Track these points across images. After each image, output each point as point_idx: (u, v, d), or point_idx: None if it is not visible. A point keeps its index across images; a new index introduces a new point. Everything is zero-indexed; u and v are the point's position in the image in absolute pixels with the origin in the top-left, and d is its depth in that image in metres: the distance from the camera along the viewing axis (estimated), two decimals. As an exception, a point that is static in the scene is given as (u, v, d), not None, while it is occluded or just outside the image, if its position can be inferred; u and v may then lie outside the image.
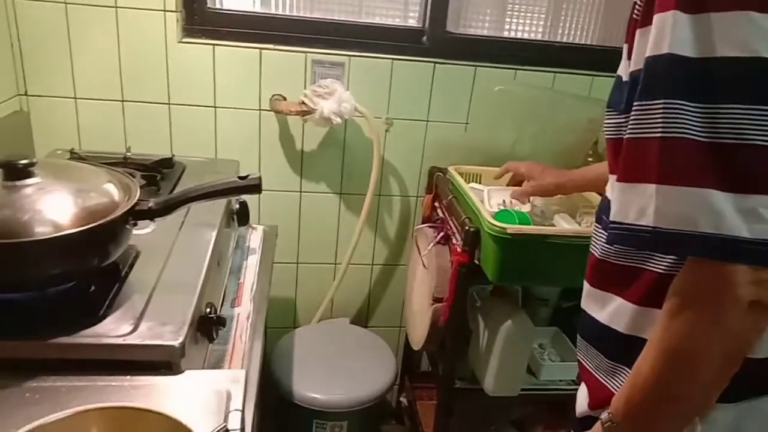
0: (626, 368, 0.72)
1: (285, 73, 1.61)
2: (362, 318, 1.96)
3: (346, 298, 1.92)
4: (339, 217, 1.80)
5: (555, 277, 1.40)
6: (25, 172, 0.85)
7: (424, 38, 1.70)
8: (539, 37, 1.80)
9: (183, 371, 0.81)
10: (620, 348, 0.73)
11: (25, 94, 1.54)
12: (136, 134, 1.61)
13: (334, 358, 1.72)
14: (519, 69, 1.71)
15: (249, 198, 1.65)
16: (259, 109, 1.64)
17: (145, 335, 0.81)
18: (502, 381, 1.50)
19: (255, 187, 0.92)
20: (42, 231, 0.80)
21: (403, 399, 2.00)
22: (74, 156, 1.37)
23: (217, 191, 0.93)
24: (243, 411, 0.75)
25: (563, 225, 1.40)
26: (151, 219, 0.92)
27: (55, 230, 0.81)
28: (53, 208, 0.83)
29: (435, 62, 1.67)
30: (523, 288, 1.67)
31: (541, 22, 1.80)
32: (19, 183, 0.84)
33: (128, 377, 0.78)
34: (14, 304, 0.86)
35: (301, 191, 1.75)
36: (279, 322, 1.89)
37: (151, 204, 0.91)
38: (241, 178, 0.93)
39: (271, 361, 1.69)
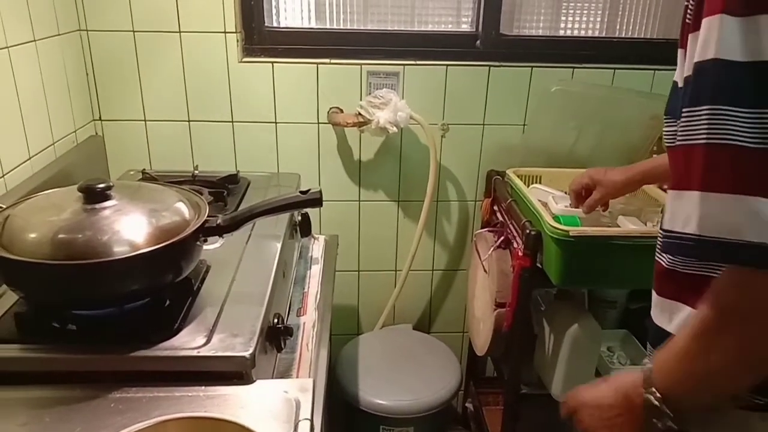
0: None
1: (341, 86, 1.65)
2: (424, 324, 1.97)
3: (407, 305, 1.93)
4: (398, 224, 1.82)
5: (621, 280, 1.36)
6: (102, 195, 0.90)
7: (478, 42, 1.69)
8: (596, 33, 1.77)
9: (254, 381, 0.84)
10: None
11: (99, 119, 1.63)
12: (202, 152, 1.68)
13: (399, 363, 1.74)
14: (576, 67, 1.69)
15: (312, 209, 1.70)
16: (318, 123, 1.68)
17: (218, 347, 0.85)
18: (569, 385, 1.47)
19: (316, 201, 0.95)
20: (120, 251, 0.85)
21: (468, 404, 2.00)
22: (146, 176, 1.45)
23: (281, 206, 0.96)
24: (312, 420, 0.77)
25: (628, 226, 1.37)
26: (220, 235, 0.96)
27: (132, 249, 0.86)
28: (129, 228, 0.88)
29: (490, 65, 1.67)
30: (589, 291, 1.64)
31: (599, 18, 1.76)
32: (98, 206, 0.89)
33: (202, 388, 0.82)
34: (96, 320, 0.92)
35: (359, 200, 1.78)
36: (342, 329, 1.93)
37: (219, 221, 0.95)
38: (302, 192, 0.96)
39: (336, 368, 1.72)
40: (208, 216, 0.96)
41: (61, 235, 0.85)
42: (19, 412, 0.78)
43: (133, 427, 0.63)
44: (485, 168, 1.76)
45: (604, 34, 1.76)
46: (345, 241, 1.77)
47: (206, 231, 0.94)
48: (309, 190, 0.96)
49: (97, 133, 1.64)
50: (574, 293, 1.58)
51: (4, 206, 0.96)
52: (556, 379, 1.48)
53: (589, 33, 1.77)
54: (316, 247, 1.56)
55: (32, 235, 0.86)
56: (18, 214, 0.91)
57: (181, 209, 0.96)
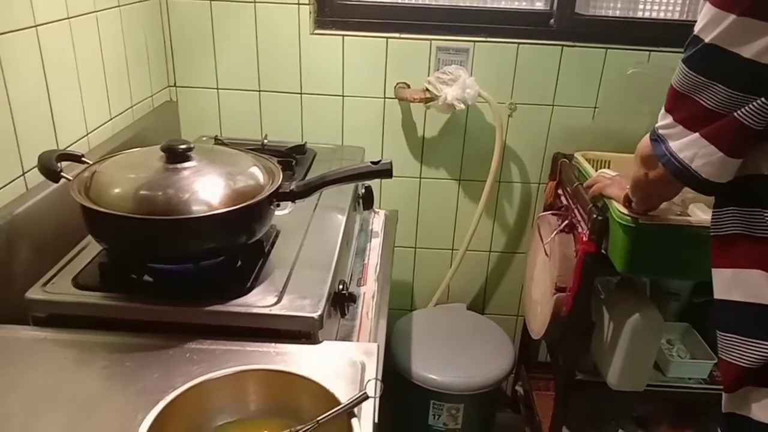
0: None
1: (410, 61, 1.65)
2: (479, 304, 1.97)
3: (462, 284, 1.93)
4: (457, 203, 1.81)
5: (689, 270, 1.32)
6: (183, 156, 0.94)
7: (552, 21, 1.65)
8: (676, 16, 1.70)
9: (321, 342, 0.87)
10: None
11: (174, 86, 1.69)
12: (271, 122, 1.72)
13: (452, 342, 1.75)
14: (653, 50, 1.63)
15: (372, 183, 1.72)
16: (384, 97, 1.69)
17: (288, 307, 0.88)
18: (626, 375, 1.45)
19: (386, 172, 0.96)
20: (198, 209, 0.89)
21: (518, 388, 1.99)
22: (219, 142, 1.49)
23: (352, 175, 0.98)
24: (379, 381, 0.79)
25: (699, 215, 1.32)
26: (293, 200, 0.98)
27: (209, 209, 0.89)
28: (207, 189, 0.91)
29: (563, 45, 1.63)
30: (651, 281, 1.60)
31: (679, 0, 1.69)
32: (179, 166, 0.93)
33: (272, 344, 0.85)
34: (173, 275, 0.96)
35: (420, 177, 1.79)
36: (397, 304, 1.94)
37: (292, 187, 0.98)
38: (373, 163, 0.97)
39: (390, 341, 1.74)
40: (281, 182, 0.98)
41: (143, 192, 0.89)
42: (101, 356, 0.83)
43: (214, 374, 0.67)
44: (551, 150, 1.73)
45: (684, 17, 1.70)
46: (403, 217, 1.78)
47: (280, 196, 0.97)
48: (380, 160, 0.96)
49: (171, 99, 1.69)
50: (637, 282, 1.55)
51: (91, 162, 1.01)
52: (613, 367, 1.46)
53: (668, 15, 1.70)
54: (377, 221, 1.58)
55: (117, 190, 0.90)
56: (104, 170, 0.96)
57: (256, 174, 0.99)
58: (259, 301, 0.89)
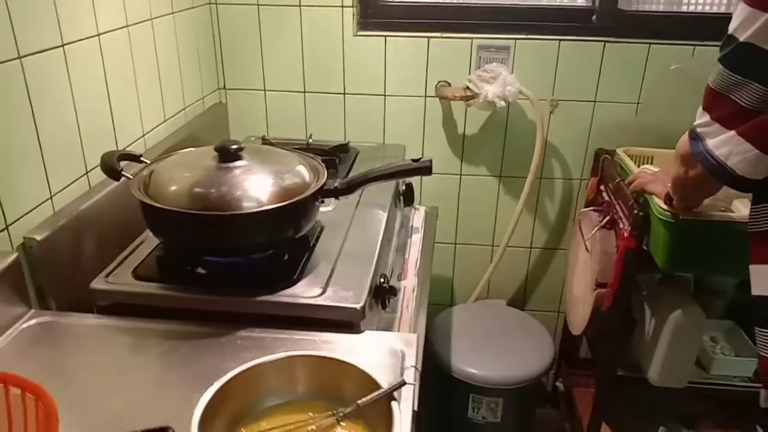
0: None
1: (451, 60, 1.67)
2: (519, 301, 1.98)
3: (503, 280, 1.95)
4: (498, 199, 1.83)
5: (731, 268, 1.30)
6: (235, 156, 0.99)
7: (594, 17, 1.65)
8: (722, 9, 1.67)
9: (363, 331, 0.91)
10: None
11: (224, 88, 1.76)
12: (315, 122, 1.77)
13: (491, 337, 1.77)
14: (698, 45, 1.61)
15: (413, 180, 1.76)
16: (425, 96, 1.72)
17: (333, 298, 0.92)
18: (668, 372, 1.45)
19: (426, 169, 1.00)
20: (248, 206, 0.94)
21: (559, 384, 2.00)
22: (266, 142, 1.55)
23: (394, 173, 1.02)
24: (418, 368, 0.83)
25: (742, 211, 1.31)
26: (336, 197, 1.03)
27: (259, 205, 0.94)
28: (257, 186, 0.97)
29: (605, 41, 1.63)
30: (695, 278, 1.58)
31: (726, -7, 1.66)
32: (230, 165, 0.99)
33: (317, 333, 0.90)
34: (225, 267, 1.02)
35: (461, 174, 1.81)
36: (437, 299, 1.98)
37: (336, 184, 1.02)
38: (414, 160, 1.01)
39: (430, 335, 1.77)
40: (326, 179, 1.03)
41: (197, 189, 0.95)
42: (158, 342, 0.89)
43: (265, 358, 0.72)
44: (594, 146, 1.73)
45: (731, 10, 1.66)
46: (444, 213, 1.81)
47: (324, 193, 1.01)
48: (420, 158, 1.00)
49: (221, 101, 1.76)
50: (680, 279, 1.53)
51: (149, 161, 1.08)
52: (654, 364, 1.45)
53: (714, 9, 1.68)
54: (417, 217, 1.62)
55: (173, 188, 0.97)
56: (161, 169, 1.02)
57: (302, 172, 1.04)
58: (305, 292, 0.94)
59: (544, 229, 1.87)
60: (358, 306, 0.90)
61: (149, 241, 1.08)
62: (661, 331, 1.42)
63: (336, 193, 1.02)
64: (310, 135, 1.59)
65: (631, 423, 1.80)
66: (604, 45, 1.63)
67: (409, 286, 1.31)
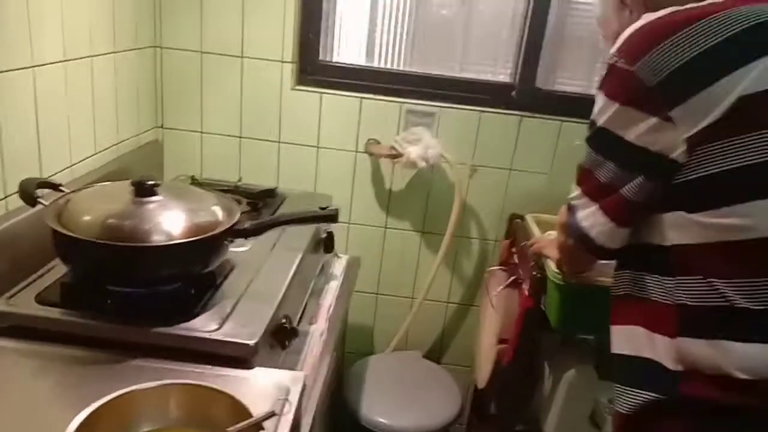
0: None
1: (381, 120, 1.78)
2: (435, 353, 2.04)
3: (421, 332, 2.01)
4: (419, 254, 1.92)
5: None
6: (150, 191, 1.04)
7: (514, 93, 1.80)
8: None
9: (254, 367, 0.95)
10: None
11: (162, 127, 1.81)
12: (249, 167, 1.84)
13: (403, 388, 1.81)
14: (605, 126, 1.76)
15: (340, 230, 1.83)
16: (356, 151, 1.82)
17: (228, 333, 0.97)
18: (563, 428, 1.52)
19: (332, 217, 1.07)
20: (158, 239, 0.99)
21: (470, 438, 2.04)
22: (194, 182, 1.60)
23: (300, 218, 1.09)
24: (291, 402, 0.87)
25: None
26: (245, 237, 1.09)
27: (168, 239, 0.99)
28: (169, 221, 1.02)
29: (522, 115, 1.77)
30: (597, 339, 1.68)
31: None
32: (145, 200, 1.04)
33: (209, 367, 0.93)
34: (129, 297, 1.05)
35: (386, 227, 1.89)
36: (356, 347, 2.02)
37: (246, 225, 1.08)
38: (321, 208, 1.08)
39: (344, 383, 1.81)
40: (237, 220, 1.09)
41: (110, 220, 0.99)
42: (53, 365, 0.91)
43: (140, 385, 0.75)
44: (509, 210, 1.85)
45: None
46: (368, 264, 1.88)
47: (234, 233, 1.07)
48: (327, 207, 1.07)
49: (158, 139, 1.81)
50: (580, 340, 1.63)
51: (68, 191, 1.11)
52: (550, 420, 1.53)
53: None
54: (338, 265, 1.68)
55: (86, 218, 1.01)
56: (77, 199, 1.06)
57: (215, 211, 1.10)
58: (203, 326, 0.98)
59: (461, 285, 1.96)
60: (251, 342, 0.95)
61: (58, 268, 1.11)
62: (557, 389, 1.50)
63: (245, 234, 1.08)
64: (240, 178, 1.65)
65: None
66: (521, 119, 1.77)
67: (318, 330, 1.36)
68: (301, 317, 1.35)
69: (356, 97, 1.77)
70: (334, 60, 1.83)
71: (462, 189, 1.78)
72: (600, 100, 0.86)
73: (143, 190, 1.04)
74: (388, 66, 1.84)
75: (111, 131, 1.54)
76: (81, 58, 1.36)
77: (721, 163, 0.74)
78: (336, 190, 1.83)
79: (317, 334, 1.34)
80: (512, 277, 1.60)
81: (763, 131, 0.72)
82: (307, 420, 1.05)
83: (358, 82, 1.79)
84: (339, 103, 1.78)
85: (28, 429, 0.77)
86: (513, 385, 1.57)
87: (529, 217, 1.68)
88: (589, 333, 1.60)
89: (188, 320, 0.98)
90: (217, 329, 0.97)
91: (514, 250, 1.75)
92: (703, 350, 0.76)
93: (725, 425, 0.75)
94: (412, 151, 1.67)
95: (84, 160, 1.42)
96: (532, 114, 1.77)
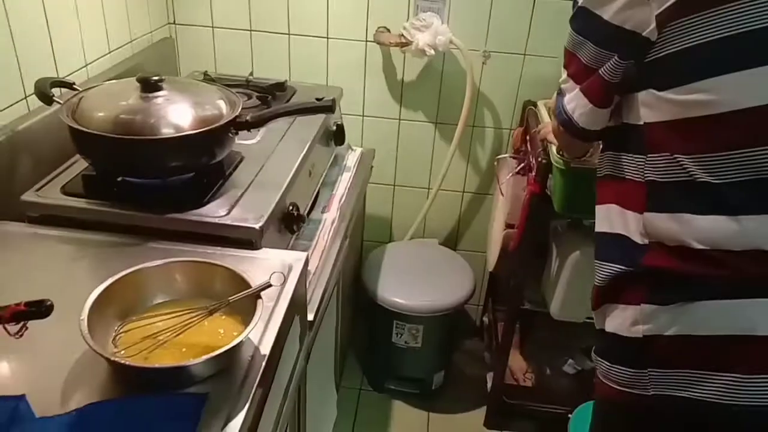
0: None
1: (391, 6, 1.74)
2: (451, 241, 2.11)
3: (437, 222, 2.08)
4: (434, 144, 1.94)
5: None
6: (156, 87, 1.09)
7: (528, -28, 1.72)
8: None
9: (261, 248, 1.03)
10: None
11: (174, 23, 1.82)
12: (262, 61, 1.85)
13: (418, 271, 1.91)
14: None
15: (355, 123, 1.86)
16: (366, 41, 1.80)
17: (235, 218, 1.04)
18: (566, 307, 1.60)
19: (328, 108, 1.10)
20: (165, 132, 1.04)
21: (485, 319, 2.16)
22: (207, 77, 1.63)
23: (298, 110, 1.12)
24: (289, 277, 0.95)
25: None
26: (248, 130, 1.13)
27: (175, 131, 1.05)
28: (175, 115, 1.07)
29: (536, -4, 1.71)
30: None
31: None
32: (151, 95, 1.08)
33: (219, 248, 1.02)
34: (143, 187, 1.12)
35: (399, 119, 1.91)
36: (375, 237, 2.11)
37: (248, 117, 1.12)
38: (317, 99, 1.11)
39: (363, 268, 1.91)
40: (240, 113, 1.13)
41: (121, 115, 1.05)
42: (77, 247, 1.01)
43: (147, 264, 0.84)
44: (523, 98, 1.83)
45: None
46: (384, 156, 1.92)
47: (236, 125, 1.11)
48: (323, 98, 1.10)
49: (170, 36, 1.83)
50: (587, 224, 1.67)
51: (80, 89, 1.17)
52: (555, 300, 1.61)
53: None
54: (351, 157, 1.73)
55: (99, 114, 1.06)
56: (89, 96, 1.12)
57: (220, 105, 1.14)
58: (212, 212, 1.05)
59: (476, 174, 1.99)
60: (256, 226, 1.02)
61: (79, 163, 1.18)
62: (562, 270, 1.57)
63: (247, 126, 1.12)
64: (251, 72, 1.67)
65: (543, 355, 1.97)
66: (534, 0, 1.71)
67: (330, 218, 1.44)
68: (313, 206, 1.42)
69: (364, -18, 1.73)
70: (340, -56, 1.77)
71: (474, 77, 1.77)
72: None
73: (149, 86, 1.08)
74: (398, -51, 1.77)
75: (123, 29, 1.56)
76: (83, -47, 1.36)
77: (688, 40, 0.74)
78: (348, 82, 1.83)
79: (329, 222, 1.42)
80: (521, 165, 1.62)
81: (729, 4, 0.71)
82: (317, 296, 1.15)
83: (366, -33, 1.74)
84: (347, -10, 1.74)
85: (63, 298, 0.87)
86: (518, 267, 1.64)
87: (540, 104, 1.67)
88: (591, 216, 1.64)
89: (199, 207, 1.06)
90: (226, 215, 1.05)
91: (528, 137, 1.75)
92: (665, 223, 0.79)
93: (678, 292, 0.79)
94: (420, 39, 1.64)
95: (98, 59, 1.46)
96: (546, -7, 1.70)
